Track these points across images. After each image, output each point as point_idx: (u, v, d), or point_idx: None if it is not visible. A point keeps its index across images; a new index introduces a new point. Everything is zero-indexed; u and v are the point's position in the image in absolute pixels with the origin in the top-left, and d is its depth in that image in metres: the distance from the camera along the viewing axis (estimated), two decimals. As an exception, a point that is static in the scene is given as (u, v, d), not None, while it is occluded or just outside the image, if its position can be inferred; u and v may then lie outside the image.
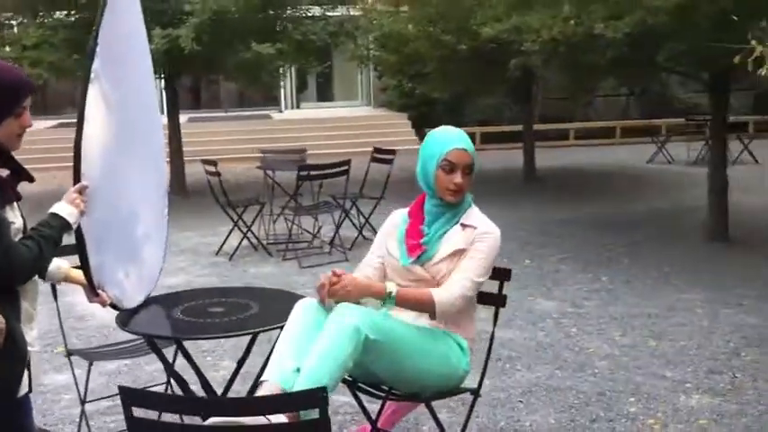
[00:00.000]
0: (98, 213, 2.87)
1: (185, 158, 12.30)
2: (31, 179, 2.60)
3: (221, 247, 8.30)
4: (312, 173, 7.74)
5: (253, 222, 8.22)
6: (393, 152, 8.89)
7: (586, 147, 17.62)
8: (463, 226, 3.28)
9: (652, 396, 4.53)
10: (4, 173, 2.47)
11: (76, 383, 3.90)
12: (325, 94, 21.64)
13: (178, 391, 4.13)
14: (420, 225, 3.32)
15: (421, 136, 17.77)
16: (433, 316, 3.16)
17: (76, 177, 2.81)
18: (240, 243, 8.18)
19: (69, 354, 3.91)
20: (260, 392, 2.83)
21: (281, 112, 20.18)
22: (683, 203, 10.67)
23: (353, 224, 8.56)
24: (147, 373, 4.96)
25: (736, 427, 4.13)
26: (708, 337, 5.46)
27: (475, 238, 3.23)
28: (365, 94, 21.37)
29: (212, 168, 7.95)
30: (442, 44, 10.40)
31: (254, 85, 14.12)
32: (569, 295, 6.52)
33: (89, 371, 3.81)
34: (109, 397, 4.24)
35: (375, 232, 8.35)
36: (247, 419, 2.33)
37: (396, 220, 3.43)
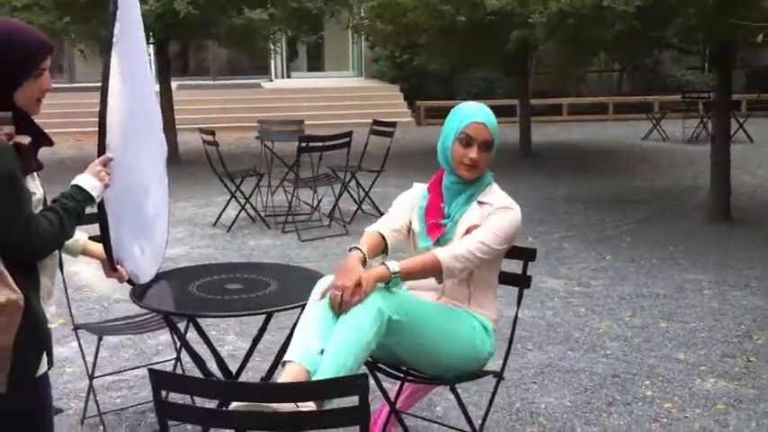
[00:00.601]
0: (116, 187, 2.73)
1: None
2: (50, 143, 2.46)
3: (219, 218, 8.15)
4: (312, 144, 7.57)
5: (251, 194, 8.07)
6: (393, 125, 8.74)
7: (580, 122, 17.51)
8: (480, 204, 3.17)
9: (667, 379, 4.46)
10: (26, 140, 2.31)
11: (84, 359, 3.78)
12: (315, 64, 21.38)
13: (188, 368, 4.03)
14: (440, 203, 3.20)
15: (413, 108, 17.61)
16: (439, 278, 3.03)
17: (101, 149, 2.66)
18: (238, 214, 8.03)
19: (77, 327, 3.78)
20: (285, 374, 2.71)
21: (271, 81, 19.92)
22: (682, 182, 10.62)
23: (352, 197, 8.42)
24: (152, 347, 4.84)
25: (755, 413, 4.06)
26: (719, 319, 5.39)
27: (491, 213, 3.13)
28: (356, 65, 21.13)
29: (210, 138, 7.78)
30: (440, 14, 10.22)
31: (246, 51, 13.88)
32: (575, 274, 6.44)
33: (98, 346, 3.69)
34: (115, 373, 4.12)
35: (374, 206, 8.34)
36: (276, 405, 2.22)
37: (415, 195, 3.30)
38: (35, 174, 2.40)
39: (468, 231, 3.10)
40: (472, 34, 10.69)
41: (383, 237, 3.15)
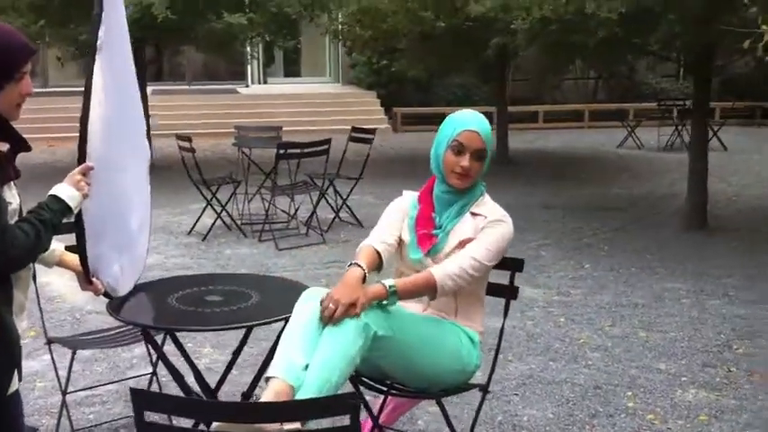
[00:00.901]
0: (97, 197, 2.64)
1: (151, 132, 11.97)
2: (28, 149, 2.37)
3: (194, 226, 8.05)
4: (291, 151, 7.49)
5: (228, 201, 7.98)
6: (373, 131, 8.69)
7: (556, 130, 17.56)
8: (473, 215, 3.12)
9: (648, 390, 4.44)
10: (4, 147, 2.23)
11: (57, 374, 3.67)
12: (292, 70, 21.26)
13: (164, 382, 3.95)
14: (431, 213, 3.15)
15: (390, 115, 17.56)
16: (433, 296, 2.98)
17: (81, 158, 2.58)
18: (214, 223, 7.93)
19: (50, 341, 3.68)
20: (268, 390, 2.65)
21: (247, 86, 19.77)
22: (658, 190, 10.66)
23: (330, 205, 8.35)
24: (126, 360, 4.73)
25: (738, 424, 4.05)
26: (698, 328, 5.39)
27: (484, 226, 3.08)
28: (333, 71, 21.04)
29: (186, 144, 7.67)
30: (420, 20, 10.20)
31: (223, 56, 13.77)
32: (554, 283, 6.41)
33: (72, 360, 3.58)
34: (89, 389, 4.01)
35: (352, 214, 8.28)
36: (262, 426, 2.16)
37: (406, 204, 3.24)
38: (12, 183, 2.32)
39: (461, 244, 3.05)
40: (451, 40, 10.69)
41: (378, 253, 3.08)
